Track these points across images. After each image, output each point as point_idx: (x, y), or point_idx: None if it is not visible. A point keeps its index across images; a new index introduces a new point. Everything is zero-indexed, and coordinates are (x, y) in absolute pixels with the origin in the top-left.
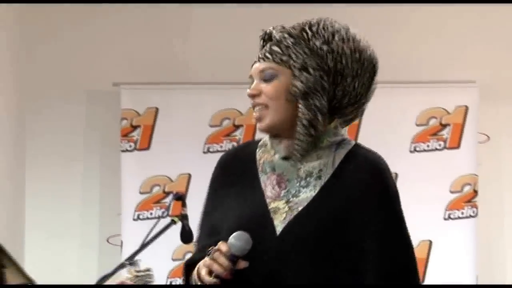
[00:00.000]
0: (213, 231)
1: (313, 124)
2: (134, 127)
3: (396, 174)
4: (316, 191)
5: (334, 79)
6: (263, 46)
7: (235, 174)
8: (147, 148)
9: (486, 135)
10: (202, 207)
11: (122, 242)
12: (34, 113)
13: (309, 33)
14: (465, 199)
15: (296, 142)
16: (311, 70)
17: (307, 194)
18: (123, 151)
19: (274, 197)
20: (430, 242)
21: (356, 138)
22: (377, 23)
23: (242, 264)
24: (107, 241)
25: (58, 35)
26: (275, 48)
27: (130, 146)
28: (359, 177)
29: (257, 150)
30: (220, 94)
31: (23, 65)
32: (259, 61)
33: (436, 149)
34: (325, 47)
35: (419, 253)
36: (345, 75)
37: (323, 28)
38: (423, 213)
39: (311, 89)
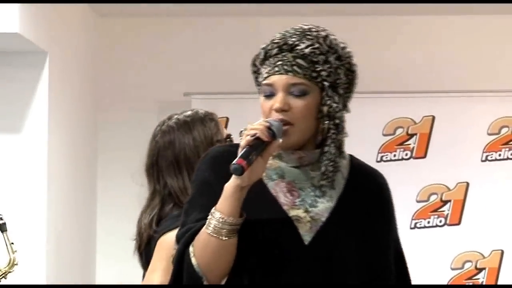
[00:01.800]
0: None
1: (342, 145)
2: None
3: (468, 183)
4: (334, 202)
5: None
6: (277, 55)
7: (227, 177)
8: None
9: None
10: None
11: None
12: (106, 123)
13: (334, 48)
14: None
15: (330, 164)
16: (340, 90)
17: (326, 205)
18: None
19: (290, 205)
20: (502, 251)
21: (427, 147)
22: (450, 32)
23: (276, 144)
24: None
25: (130, 46)
26: (303, 63)
27: None
28: (371, 188)
29: None
30: None
31: (97, 76)
32: (286, 73)
33: (508, 158)
34: (338, 62)
35: (490, 263)
36: (352, 91)
37: (334, 42)
38: (495, 222)
39: (341, 109)
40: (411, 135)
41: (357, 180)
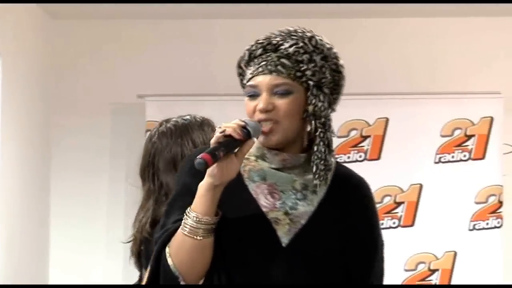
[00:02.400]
0: None
1: (331, 143)
2: None
3: (421, 185)
4: (315, 206)
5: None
6: (261, 55)
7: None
8: None
9: (511, 146)
10: (171, 200)
11: None
12: (60, 125)
13: (319, 48)
14: (490, 210)
15: (321, 163)
16: (325, 89)
17: (306, 208)
18: None
19: (270, 207)
20: (455, 253)
21: (380, 148)
22: (401, 35)
23: (250, 143)
24: None
25: (83, 49)
26: (288, 63)
27: None
28: (354, 197)
29: None
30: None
31: (49, 78)
32: (270, 73)
33: (461, 160)
34: (323, 62)
35: (444, 264)
36: (339, 92)
37: (320, 42)
38: (447, 224)
39: (327, 108)
40: (365, 137)
41: (340, 187)
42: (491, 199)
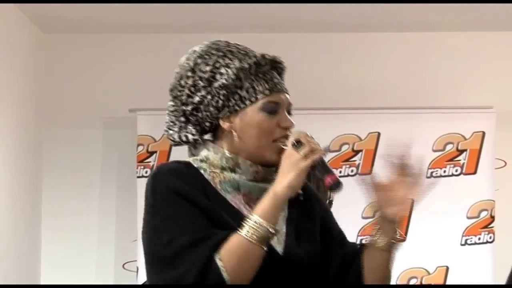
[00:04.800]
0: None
1: None
2: (150, 153)
3: (412, 199)
4: (286, 211)
5: None
6: (269, 72)
7: (197, 189)
8: None
9: (503, 160)
10: (160, 216)
11: (137, 268)
12: (51, 139)
13: None
14: (482, 225)
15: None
16: None
17: (282, 214)
18: (139, 177)
19: None
20: (447, 268)
21: (372, 163)
22: (393, 50)
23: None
24: (123, 267)
25: (75, 62)
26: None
27: (146, 172)
28: (309, 193)
29: (202, 172)
30: None
31: (41, 92)
32: (286, 92)
33: (453, 175)
34: None
35: (436, 279)
36: None
37: None
38: (439, 239)
39: None
40: (357, 152)
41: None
42: (483, 214)
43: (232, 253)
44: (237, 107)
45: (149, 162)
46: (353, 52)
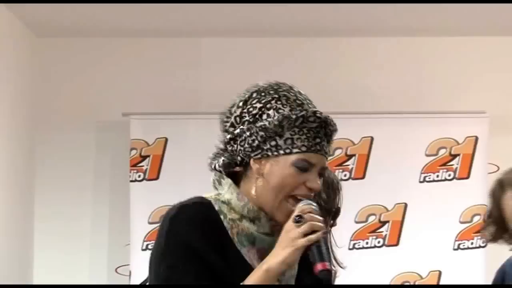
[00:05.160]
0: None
1: None
2: (143, 157)
3: (406, 204)
4: (296, 269)
5: None
6: (314, 129)
7: (213, 241)
8: (156, 178)
9: (496, 165)
10: (168, 264)
11: (130, 272)
12: (44, 143)
13: None
14: (475, 230)
15: None
16: None
17: (291, 272)
18: (132, 181)
19: None
20: (440, 272)
21: (365, 168)
22: (386, 55)
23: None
24: (116, 271)
25: (68, 66)
26: (330, 148)
27: (139, 176)
28: None
29: (221, 217)
30: None
31: (34, 95)
32: (324, 155)
33: (446, 179)
34: None
35: (428, 284)
36: None
37: None
38: (432, 243)
39: None
40: (350, 156)
41: None
42: (476, 218)
43: None
44: (270, 153)
45: (142, 166)
46: (347, 56)
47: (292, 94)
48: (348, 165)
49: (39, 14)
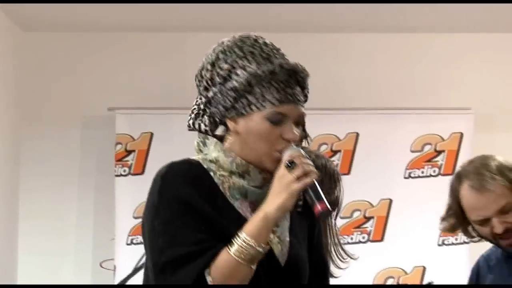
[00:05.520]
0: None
1: None
2: (129, 152)
3: (391, 200)
4: (289, 220)
5: None
6: (284, 81)
7: (205, 195)
8: (142, 172)
9: None
10: (164, 219)
11: (115, 267)
12: (30, 137)
13: None
14: None
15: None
16: None
17: (285, 224)
18: (117, 175)
19: None
20: (424, 268)
21: (351, 163)
22: (372, 51)
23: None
24: (100, 265)
25: (54, 61)
26: (304, 95)
27: (125, 170)
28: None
29: (211, 174)
30: None
31: (20, 90)
32: (297, 104)
33: (431, 176)
34: None
35: (412, 279)
36: None
37: None
38: (417, 239)
39: None
40: (335, 152)
41: None
42: None
43: (221, 270)
44: (243, 111)
45: (128, 161)
46: (332, 52)
47: (257, 48)
48: (333, 160)
49: (25, 9)
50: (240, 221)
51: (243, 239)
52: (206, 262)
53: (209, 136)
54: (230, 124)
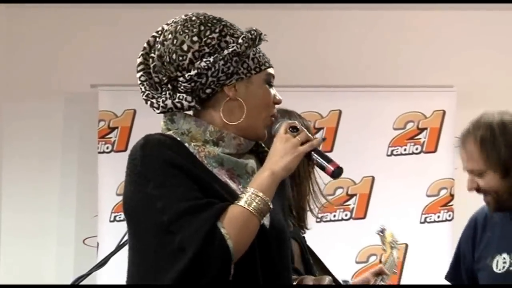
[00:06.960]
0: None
1: None
2: (112, 129)
3: (373, 178)
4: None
5: None
6: (258, 46)
7: (188, 162)
8: (124, 149)
9: None
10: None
11: (98, 244)
12: (11, 114)
13: None
14: (442, 203)
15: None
16: None
17: (279, 202)
18: (100, 152)
19: (239, 192)
20: (406, 245)
21: (333, 141)
22: (355, 28)
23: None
24: (83, 242)
25: (35, 37)
26: None
27: (107, 147)
28: None
29: (186, 145)
30: None
31: (1, 65)
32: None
33: (413, 153)
34: None
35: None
36: None
37: None
38: (399, 217)
39: None
40: (318, 129)
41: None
42: (443, 192)
43: (234, 222)
44: (243, 76)
45: (110, 138)
46: (315, 29)
47: (225, 20)
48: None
49: None
50: (223, 185)
51: (254, 192)
52: (216, 213)
53: (176, 112)
54: (229, 91)
